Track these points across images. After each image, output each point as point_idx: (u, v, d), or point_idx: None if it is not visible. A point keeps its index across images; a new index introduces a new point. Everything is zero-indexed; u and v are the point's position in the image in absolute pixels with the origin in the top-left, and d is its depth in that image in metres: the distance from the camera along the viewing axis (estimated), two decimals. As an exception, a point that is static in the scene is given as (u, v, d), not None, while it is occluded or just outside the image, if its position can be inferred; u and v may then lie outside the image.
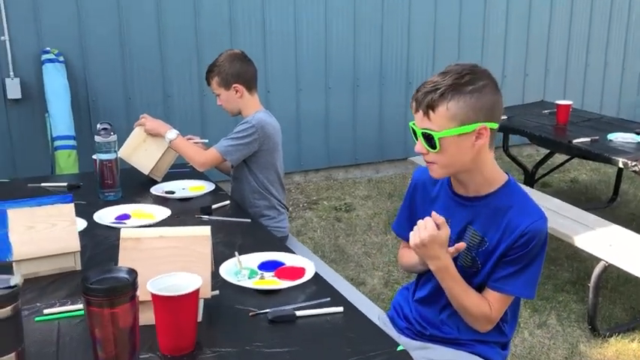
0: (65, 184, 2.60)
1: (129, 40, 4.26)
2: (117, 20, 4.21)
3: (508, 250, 1.49)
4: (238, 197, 2.72)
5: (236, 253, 1.77)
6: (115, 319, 1.11)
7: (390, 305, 1.87)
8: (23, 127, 4.10)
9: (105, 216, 2.18)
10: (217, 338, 1.39)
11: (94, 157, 2.42)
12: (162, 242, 1.44)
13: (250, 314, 1.49)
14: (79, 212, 2.16)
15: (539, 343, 2.85)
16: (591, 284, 2.85)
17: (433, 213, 1.49)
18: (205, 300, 1.48)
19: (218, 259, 1.75)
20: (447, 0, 5.23)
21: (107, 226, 2.09)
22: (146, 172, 2.62)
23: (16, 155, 4.11)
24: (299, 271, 1.71)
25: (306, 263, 1.76)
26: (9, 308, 1.06)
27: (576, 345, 2.83)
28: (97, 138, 2.36)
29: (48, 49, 3.98)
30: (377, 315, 1.87)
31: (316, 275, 1.69)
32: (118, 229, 2.03)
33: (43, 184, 2.58)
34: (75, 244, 1.71)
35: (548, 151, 4.39)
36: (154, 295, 1.26)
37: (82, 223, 2.09)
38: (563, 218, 3.15)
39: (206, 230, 1.47)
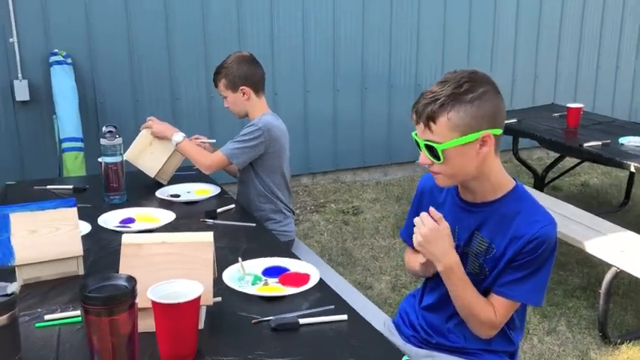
0: (71, 186, 2.59)
1: (137, 42, 4.26)
2: (125, 22, 4.21)
3: (516, 255, 1.46)
4: (244, 201, 2.70)
5: (239, 259, 1.75)
6: (114, 327, 1.09)
7: (396, 311, 1.85)
8: (31, 129, 4.11)
9: (109, 220, 2.17)
10: (219, 346, 1.37)
11: (100, 159, 2.41)
12: (163, 248, 1.42)
13: (253, 322, 1.46)
14: (84, 215, 2.16)
15: (549, 350, 2.81)
16: (602, 290, 2.81)
17: (430, 208, 1.47)
18: (207, 307, 1.45)
19: (221, 264, 1.73)
20: (457, 1, 5.19)
21: (111, 230, 2.07)
22: (152, 175, 2.60)
23: (24, 157, 4.12)
24: (303, 278, 1.69)
25: (311, 269, 1.73)
26: (5, 317, 1.04)
27: (587, 352, 2.79)
28: (103, 141, 2.35)
29: (56, 50, 3.99)
30: (383, 321, 1.84)
31: (321, 282, 1.67)
32: (122, 234, 2.02)
33: (49, 187, 2.58)
34: (78, 249, 1.69)
35: (559, 154, 4.34)
36: (154, 303, 1.24)
37: (86, 227, 2.08)
38: (573, 223, 3.11)
39: (208, 236, 1.45)
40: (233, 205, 2.35)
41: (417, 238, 1.47)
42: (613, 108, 6.03)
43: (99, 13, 4.12)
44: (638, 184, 4.75)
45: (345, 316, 1.48)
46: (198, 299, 1.27)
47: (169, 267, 1.40)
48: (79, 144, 3.84)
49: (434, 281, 1.60)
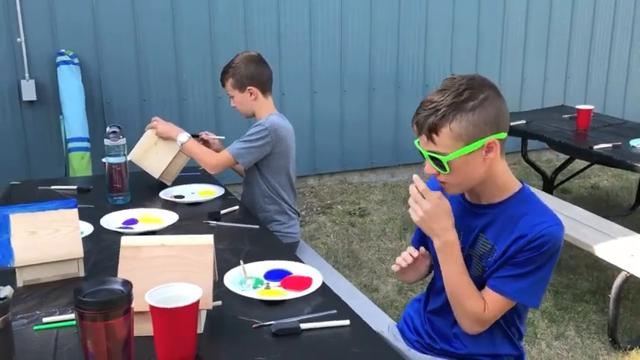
0: (75, 187, 2.58)
1: (143, 42, 4.25)
2: (132, 22, 4.20)
3: (517, 252, 1.42)
4: (248, 201, 2.68)
5: (241, 262, 1.73)
6: (109, 332, 1.07)
7: (401, 315, 1.81)
8: (38, 129, 4.11)
9: (112, 221, 2.15)
10: (218, 351, 1.34)
11: (104, 160, 2.39)
12: (163, 251, 1.39)
13: (253, 326, 1.44)
14: (87, 216, 2.15)
15: (557, 355, 2.77)
16: (612, 295, 2.77)
17: (417, 179, 1.43)
18: (208, 310, 1.43)
19: (223, 267, 1.71)
20: (465, 2, 5.15)
21: (114, 231, 2.06)
22: (156, 176, 2.59)
23: (30, 157, 4.12)
24: (306, 281, 1.66)
25: (314, 273, 1.70)
26: (-2, 321, 1.02)
27: (596, 358, 2.74)
28: (106, 141, 2.33)
29: (63, 50, 3.99)
30: (387, 326, 1.81)
31: (323, 286, 1.64)
32: (124, 235, 2.01)
33: (53, 187, 2.57)
34: (78, 250, 1.67)
35: (568, 156, 4.28)
36: (152, 307, 1.22)
37: (88, 228, 2.07)
38: (583, 226, 3.07)
39: (209, 239, 1.42)
40: (237, 207, 2.33)
41: (418, 213, 1.43)
42: (624, 110, 5.96)
43: (106, 12, 4.11)
44: (649, 187, 4.68)
45: (347, 322, 1.45)
46: (196, 303, 1.24)
47: (169, 270, 1.38)
48: (86, 144, 3.84)
49: (440, 284, 1.57)
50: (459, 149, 1.37)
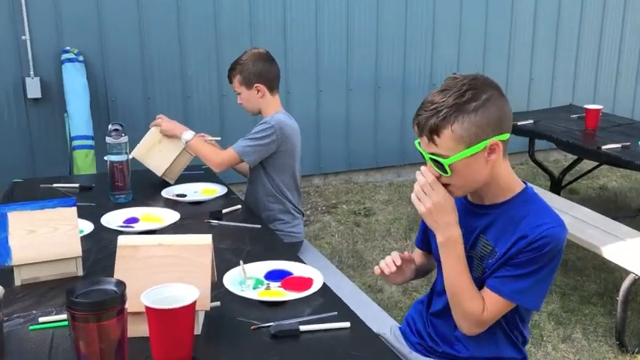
0: (77, 185, 2.57)
1: (148, 40, 4.24)
2: (136, 20, 4.19)
3: (518, 253, 1.39)
4: (252, 200, 2.66)
5: (241, 262, 1.70)
6: (102, 334, 1.05)
7: (405, 316, 1.79)
8: (43, 127, 4.11)
9: (113, 219, 2.13)
10: (215, 352, 1.32)
11: (106, 158, 2.38)
12: (160, 250, 1.37)
13: (252, 328, 1.41)
14: (88, 215, 2.13)
15: (564, 358, 2.73)
16: (620, 297, 2.73)
17: (426, 167, 1.40)
18: (206, 311, 1.41)
19: (223, 267, 1.69)
20: (473, 1, 5.11)
21: (114, 229, 2.04)
22: (159, 174, 2.57)
23: (35, 154, 4.12)
24: (306, 282, 1.64)
25: (315, 273, 1.68)
26: (-11, 321, 1.00)
27: (602, 361, 2.71)
28: (108, 139, 2.31)
29: (68, 48, 3.98)
30: (389, 328, 1.78)
31: (324, 287, 1.62)
32: (124, 234, 1.99)
33: (55, 185, 2.55)
34: (76, 249, 1.65)
35: (576, 156, 4.24)
36: (147, 308, 1.19)
37: (88, 226, 2.05)
38: (590, 227, 3.03)
39: (207, 239, 1.40)
40: (239, 206, 2.31)
41: (425, 205, 1.39)
42: (633, 110, 5.90)
43: (110, 10, 4.10)
44: (658, 188, 4.64)
45: (347, 324, 1.42)
46: (193, 304, 1.22)
47: (166, 270, 1.36)
48: (90, 142, 3.83)
49: (441, 286, 1.54)
50: (461, 151, 1.34)
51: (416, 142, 1.43)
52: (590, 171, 4.69)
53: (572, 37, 5.56)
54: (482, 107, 1.32)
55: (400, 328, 1.74)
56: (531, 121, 3.88)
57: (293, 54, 4.63)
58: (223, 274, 1.65)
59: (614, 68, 5.80)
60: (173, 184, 2.57)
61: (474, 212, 1.49)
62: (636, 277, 2.64)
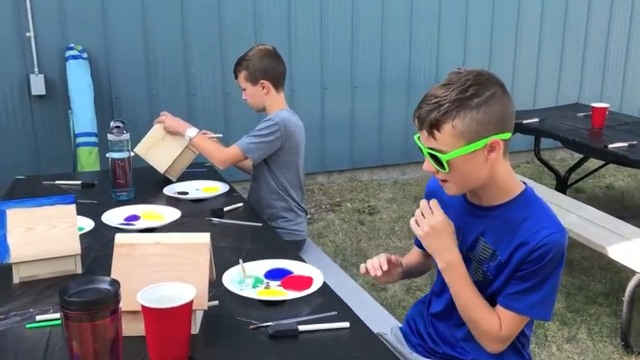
0: (79, 182, 2.56)
1: (153, 37, 4.23)
2: (141, 17, 4.18)
3: (521, 264, 1.37)
4: (255, 197, 2.65)
5: (240, 261, 1.69)
6: (96, 333, 1.03)
7: (405, 316, 1.77)
8: (47, 124, 4.11)
9: (114, 217, 2.12)
10: (212, 352, 1.31)
11: (108, 155, 2.37)
12: (158, 249, 1.36)
13: (250, 327, 1.40)
14: (89, 212, 2.13)
15: (568, 359, 2.71)
16: (625, 298, 2.70)
17: (433, 201, 1.40)
18: (204, 311, 1.40)
19: (223, 265, 1.67)
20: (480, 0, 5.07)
21: (114, 227, 2.03)
22: (162, 171, 2.56)
23: (40, 151, 4.12)
24: (307, 281, 1.62)
25: (315, 272, 1.66)
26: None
27: (607, 362, 2.68)
28: (110, 136, 2.30)
29: (72, 45, 3.98)
30: (390, 328, 1.76)
31: (324, 286, 1.60)
32: (125, 231, 1.98)
33: (57, 182, 2.55)
34: (75, 247, 1.64)
35: (582, 155, 4.20)
36: (143, 307, 1.18)
37: (89, 224, 2.04)
38: (596, 227, 3.00)
39: (205, 238, 1.38)
40: (241, 204, 2.29)
41: (423, 229, 1.39)
42: (641, 108, 5.85)
43: (115, 7, 4.10)
44: (665, 187, 4.59)
45: (347, 324, 1.40)
46: (189, 304, 1.21)
47: (163, 269, 1.34)
48: (94, 139, 3.82)
49: (440, 287, 1.52)
50: (460, 148, 1.31)
51: (415, 136, 1.41)
52: (596, 170, 4.64)
53: (580, 34, 5.52)
54: (485, 104, 1.30)
55: (401, 329, 1.72)
56: (537, 120, 3.85)
57: (297, 52, 4.61)
58: (222, 273, 1.63)
59: (621, 66, 5.75)
60: (175, 182, 2.56)
61: (472, 213, 1.46)
62: (642, 278, 2.61)
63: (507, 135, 1.35)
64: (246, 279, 1.63)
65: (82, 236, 1.82)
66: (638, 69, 5.82)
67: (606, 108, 3.67)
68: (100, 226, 2.03)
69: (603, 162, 4.31)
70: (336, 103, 4.82)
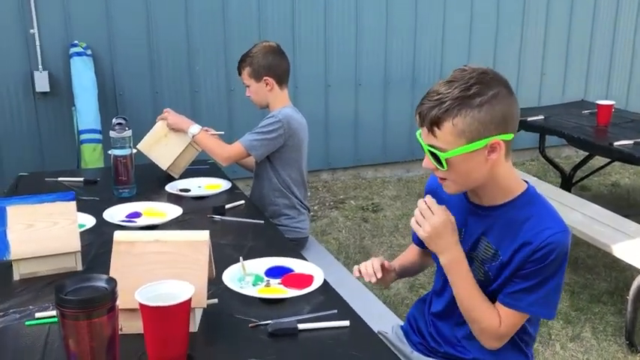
0: (82, 179, 2.56)
1: (157, 34, 4.23)
2: (145, 14, 4.17)
3: (523, 263, 1.35)
4: (258, 194, 2.64)
5: (240, 258, 1.68)
6: (93, 332, 1.03)
7: (406, 315, 1.76)
8: (51, 120, 4.11)
9: (115, 214, 2.12)
10: (211, 351, 1.30)
11: (110, 152, 2.37)
12: (157, 247, 1.35)
13: (250, 325, 1.39)
14: (91, 209, 2.12)
15: (572, 358, 2.69)
16: (630, 297, 2.68)
17: (428, 197, 1.39)
18: (204, 308, 1.39)
19: (224, 263, 1.67)
20: (485, -3, 5.06)
21: (116, 224, 2.02)
22: (164, 168, 2.56)
23: (44, 148, 4.12)
24: (307, 279, 1.61)
25: (316, 270, 1.65)
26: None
27: (612, 361, 2.67)
28: (112, 133, 2.30)
29: (76, 42, 3.98)
30: (392, 326, 1.75)
31: (325, 284, 1.59)
32: (125, 228, 1.97)
33: (60, 179, 2.55)
34: (75, 244, 1.64)
35: (588, 153, 4.17)
36: (141, 305, 1.17)
37: (90, 221, 2.04)
38: (600, 225, 2.98)
39: (204, 235, 1.38)
40: (243, 201, 2.28)
41: (425, 229, 1.37)
42: (648, 106, 5.81)
43: (119, 4, 4.09)
44: (671, 185, 4.56)
45: (347, 322, 1.39)
46: (188, 302, 1.20)
47: (162, 266, 1.34)
48: (98, 136, 3.83)
49: (441, 286, 1.51)
50: (460, 147, 1.30)
51: (417, 132, 1.39)
52: (601, 168, 4.61)
53: (585, 32, 5.48)
54: (488, 103, 1.28)
55: (402, 327, 1.71)
56: (542, 117, 3.82)
57: (301, 48, 4.60)
58: (223, 271, 1.62)
59: (627, 63, 5.71)
60: (177, 179, 2.56)
61: (474, 213, 1.44)
62: (647, 276, 2.59)
63: (510, 136, 1.33)
64: (247, 277, 1.62)
65: (83, 233, 1.82)
66: (645, 66, 5.78)
67: (612, 105, 3.64)
68: (101, 223, 2.03)
69: (609, 160, 4.29)
70: (340, 101, 4.80)
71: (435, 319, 1.57)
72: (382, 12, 4.77)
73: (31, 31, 3.92)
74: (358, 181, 4.99)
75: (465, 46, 5.09)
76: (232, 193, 2.40)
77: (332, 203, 4.51)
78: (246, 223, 2.08)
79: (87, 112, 3.82)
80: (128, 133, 2.32)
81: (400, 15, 4.83)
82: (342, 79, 4.78)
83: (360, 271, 1.54)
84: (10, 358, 1.26)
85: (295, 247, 2.11)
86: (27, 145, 4.08)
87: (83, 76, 3.88)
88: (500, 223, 1.40)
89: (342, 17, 4.67)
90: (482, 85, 1.29)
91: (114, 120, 2.31)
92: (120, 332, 1.20)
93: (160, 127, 2.61)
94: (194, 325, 1.35)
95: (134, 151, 2.40)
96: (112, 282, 1.08)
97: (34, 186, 2.43)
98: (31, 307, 1.46)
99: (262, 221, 2.10)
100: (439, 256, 1.41)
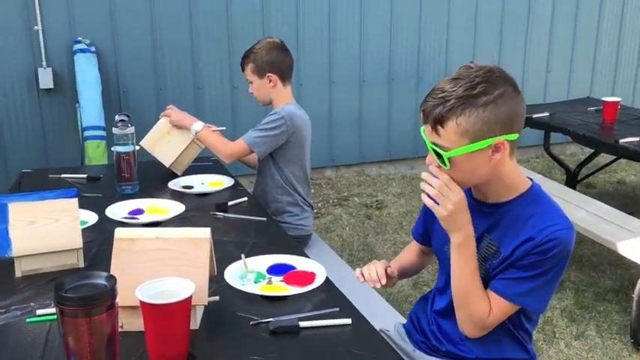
0: (85, 175, 2.56)
1: (160, 30, 4.22)
2: (148, 11, 4.17)
3: (523, 256, 1.33)
4: (261, 191, 2.63)
5: (242, 256, 1.67)
6: (92, 329, 1.02)
7: (409, 313, 1.75)
8: (55, 117, 4.12)
9: (118, 211, 2.12)
10: (212, 348, 1.30)
11: (112, 149, 2.36)
12: (157, 244, 1.35)
13: (251, 323, 1.38)
14: (93, 205, 2.12)
15: (576, 356, 2.68)
16: (635, 295, 2.66)
17: (438, 172, 1.34)
18: (205, 306, 1.38)
19: (226, 260, 1.66)
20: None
21: (118, 221, 2.02)
22: (167, 165, 2.56)
23: (48, 145, 4.13)
24: (309, 277, 1.60)
25: (318, 268, 1.64)
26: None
27: (617, 359, 2.64)
28: (115, 130, 2.30)
29: (80, 39, 3.98)
30: (394, 324, 1.74)
31: (327, 282, 1.58)
32: (128, 225, 1.97)
33: (63, 176, 2.55)
34: (77, 241, 1.64)
35: (593, 150, 4.15)
36: (142, 303, 1.17)
37: (92, 217, 2.04)
38: (605, 222, 2.96)
39: (205, 232, 1.37)
40: (245, 198, 2.28)
41: (447, 207, 1.31)
42: (654, 102, 5.77)
43: (122, 1, 4.09)
44: (678, 183, 4.53)
45: (348, 320, 1.39)
46: (188, 299, 1.19)
47: (163, 264, 1.33)
48: (102, 132, 3.83)
49: (444, 283, 1.50)
50: (463, 146, 1.28)
51: (421, 128, 1.37)
52: (607, 165, 4.59)
53: (591, 28, 5.44)
54: (493, 103, 1.26)
55: (404, 325, 1.70)
56: (547, 114, 3.80)
57: (305, 45, 4.59)
58: (225, 268, 1.62)
59: (634, 60, 5.67)
60: (180, 176, 2.55)
61: (478, 210, 1.43)
62: (652, 275, 2.58)
63: (514, 136, 1.31)
64: (248, 274, 1.61)
65: (85, 230, 1.82)
66: (651, 63, 5.75)
67: (618, 102, 3.62)
68: (103, 219, 2.03)
69: (614, 157, 4.26)
70: (344, 97, 4.79)
71: (438, 317, 1.56)
72: (387, 9, 4.75)
73: (35, 27, 3.92)
74: (362, 178, 4.98)
75: (470, 43, 5.07)
76: (235, 190, 2.39)
77: (336, 200, 4.50)
78: (248, 220, 2.07)
79: (91, 108, 3.82)
80: (131, 129, 2.31)
81: (405, 12, 4.81)
82: (347, 77, 4.76)
83: (362, 275, 1.53)
84: (11, 355, 1.25)
85: (298, 245, 2.10)
86: (31, 142, 4.09)
87: (87, 73, 3.87)
88: (504, 220, 1.38)
89: (347, 13, 4.66)
90: (488, 84, 1.27)
91: (116, 117, 2.31)
92: (121, 330, 1.20)
93: (163, 123, 2.61)
94: (195, 323, 1.35)
95: (137, 147, 2.40)
96: (112, 279, 1.07)
97: (37, 183, 2.44)
98: (32, 304, 1.45)
99: (265, 218, 2.09)
100: (453, 235, 1.36)
